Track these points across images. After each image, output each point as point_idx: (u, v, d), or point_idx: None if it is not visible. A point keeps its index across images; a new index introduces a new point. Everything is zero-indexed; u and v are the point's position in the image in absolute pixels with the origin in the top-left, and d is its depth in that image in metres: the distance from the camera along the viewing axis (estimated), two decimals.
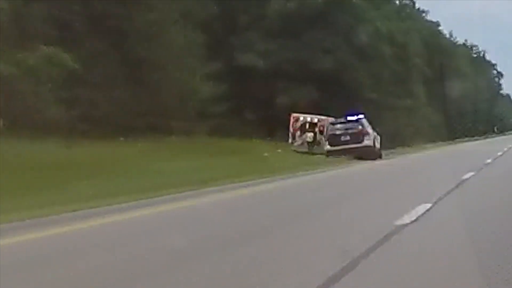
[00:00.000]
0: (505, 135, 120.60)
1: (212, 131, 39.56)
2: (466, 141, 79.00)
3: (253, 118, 44.85)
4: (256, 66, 45.05)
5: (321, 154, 34.97)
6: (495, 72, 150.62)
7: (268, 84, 45.61)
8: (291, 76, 45.73)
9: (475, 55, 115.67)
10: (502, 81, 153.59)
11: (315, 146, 37.40)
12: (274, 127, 44.43)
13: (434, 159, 31.48)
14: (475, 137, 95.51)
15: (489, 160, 25.10)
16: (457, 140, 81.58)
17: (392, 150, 42.47)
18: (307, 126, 38.63)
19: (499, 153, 29.36)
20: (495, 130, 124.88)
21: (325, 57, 46.67)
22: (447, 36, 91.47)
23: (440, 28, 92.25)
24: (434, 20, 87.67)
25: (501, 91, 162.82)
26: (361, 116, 36.56)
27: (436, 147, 54.76)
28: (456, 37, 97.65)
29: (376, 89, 52.14)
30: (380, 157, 35.10)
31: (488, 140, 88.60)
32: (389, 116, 56.00)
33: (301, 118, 38.98)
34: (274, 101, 45.00)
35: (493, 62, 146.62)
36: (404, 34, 61.06)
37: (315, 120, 38.94)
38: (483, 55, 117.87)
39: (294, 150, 35.71)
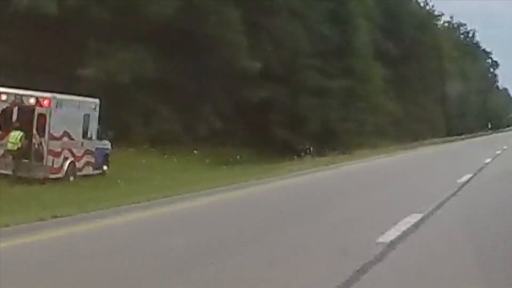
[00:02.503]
0: (502, 132, 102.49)
1: None
2: (444, 142, 58.98)
3: None
4: (44, 11, 25.30)
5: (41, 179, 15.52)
6: (489, 61, 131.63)
7: (66, 42, 25.87)
8: (107, 28, 25.93)
9: (462, 36, 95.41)
10: (497, 72, 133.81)
11: (27, 162, 17.47)
12: None
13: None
14: (462, 136, 75.92)
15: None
16: (434, 140, 61.88)
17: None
18: (14, 115, 18.43)
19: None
20: (489, 126, 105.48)
21: None
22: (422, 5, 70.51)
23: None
24: None
25: (498, 84, 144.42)
26: None
27: (378, 155, 34.92)
28: (433, 6, 76.82)
29: (270, 57, 32.44)
30: None
31: (476, 139, 69.46)
32: (312, 104, 36.20)
33: (4, 97, 18.65)
34: (75, 73, 25.19)
35: (488, 49, 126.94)
36: None
37: (32, 101, 18.60)
38: (473, 35, 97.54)
39: None
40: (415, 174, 17.34)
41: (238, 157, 27.18)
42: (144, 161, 20.36)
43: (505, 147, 30.26)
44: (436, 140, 62.23)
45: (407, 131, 61.37)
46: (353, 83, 39.14)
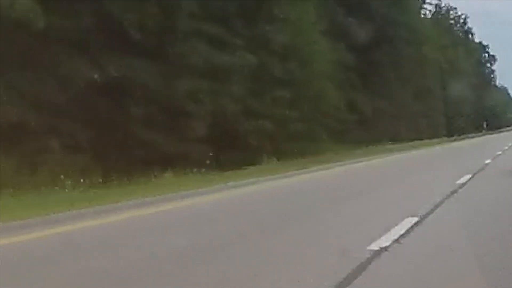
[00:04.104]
0: (501, 132, 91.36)
1: None
2: (413, 147, 46.44)
3: None
4: None
5: None
6: (486, 55, 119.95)
7: None
8: None
9: (452, 21, 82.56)
10: (498, 71, 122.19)
11: None
12: None
13: None
14: (451, 137, 63.80)
15: None
16: (407, 145, 49.81)
17: None
18: None
19: None
20: (485, 126, 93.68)
21: None
22: None
23: None
24: None
25: (496, 81, 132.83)
26: None
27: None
28: None
29: (120, 15, 20.38)
30: None
31: (466, 142, 57.27)
32: (199, 90, 23.77)
33: None
34: None
35: (485, 43, 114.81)
36: None
37: None
38: (464, 21, 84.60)
39: None
40: None
41: None
42: None
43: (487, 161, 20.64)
44: (413, 143, 49.90)
45: (377, 131, 49.05)
46: (269, 60, 26.58)
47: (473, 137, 71.28)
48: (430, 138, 59.14)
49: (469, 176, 14.57)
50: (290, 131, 27.61)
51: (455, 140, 58.33)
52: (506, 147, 31.06)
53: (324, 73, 34.27)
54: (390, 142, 45.34)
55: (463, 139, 64.96)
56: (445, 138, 59.83)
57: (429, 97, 63.42)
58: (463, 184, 13.10)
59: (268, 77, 26.49)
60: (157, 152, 22.46)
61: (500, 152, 25.96)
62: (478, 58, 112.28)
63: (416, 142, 50.89)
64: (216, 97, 24.10)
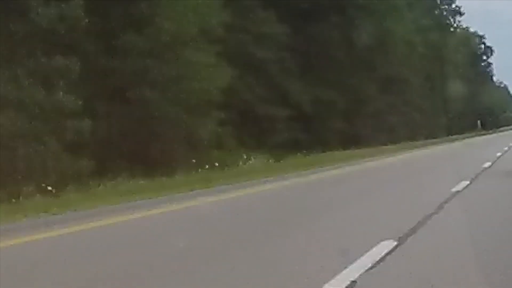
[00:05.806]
0: (501, 132, 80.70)
1: None
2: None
3: None
4: None
5: None
6: (482, 47, 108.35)
7: None
8: None
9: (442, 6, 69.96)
10: (499, 71, 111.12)
11: None
12: None
13: None
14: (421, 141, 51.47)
15: None
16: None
17: None
18: None
19: None
20: (479, 126, 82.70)
21: None
22: None
23: None
24: None
25: (494, 76, 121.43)
26: None
27: None
28: None
29: None
30: None
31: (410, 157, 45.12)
32: None
33: None
34: None
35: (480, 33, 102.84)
36: None
37: None
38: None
39: None
40: None
41: None
42: None
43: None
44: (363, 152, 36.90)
45: (325, 132, 36.49)
46: None
47: (462, 138, 58.73)
48: (406, 141, 46.67)
49: None
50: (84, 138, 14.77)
51: (430, 144, 45.55)
52: (489, 164, 18.22)
53: (206, 44, 21.75)
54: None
55: (451, 141, 52.55)
56: (421, 142, 47.24)
57: (403, 89, 50.69)
58: None
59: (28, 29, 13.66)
60: None
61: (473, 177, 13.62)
62: (473, 50, 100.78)
63: (354, 152, 35.85)
64: None
